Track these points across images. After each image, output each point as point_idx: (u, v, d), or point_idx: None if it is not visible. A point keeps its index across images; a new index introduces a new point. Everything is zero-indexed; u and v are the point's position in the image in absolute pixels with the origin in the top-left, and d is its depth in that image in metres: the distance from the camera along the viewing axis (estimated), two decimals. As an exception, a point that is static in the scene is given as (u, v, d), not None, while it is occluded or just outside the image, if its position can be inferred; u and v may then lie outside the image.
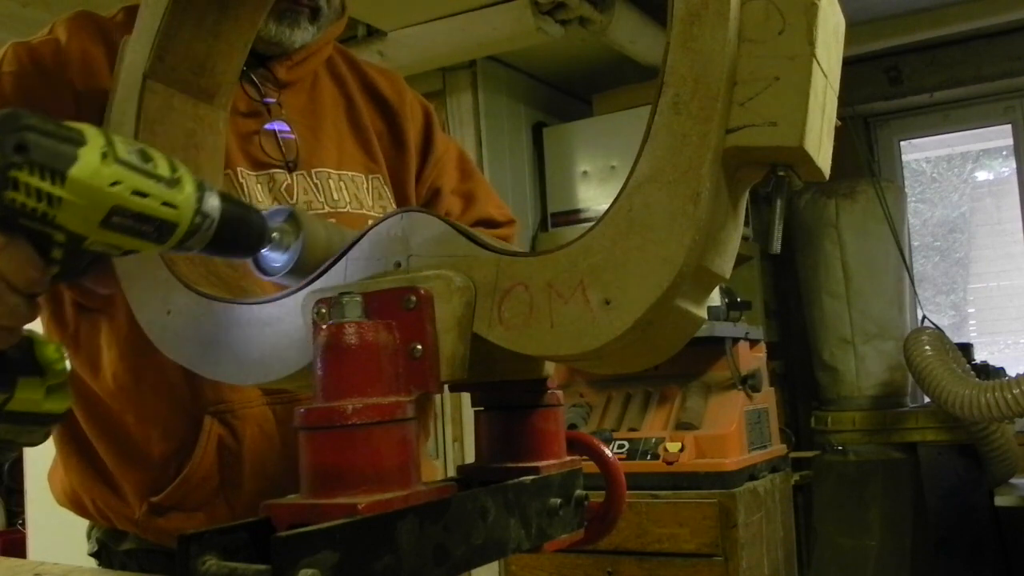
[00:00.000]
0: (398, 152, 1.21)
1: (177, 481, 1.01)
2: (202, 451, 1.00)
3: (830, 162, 0.60)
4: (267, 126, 1.08)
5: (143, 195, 0.57)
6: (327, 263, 0.67)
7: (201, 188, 0.61)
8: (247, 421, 1.01)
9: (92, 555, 1.15)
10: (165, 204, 0.58)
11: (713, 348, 2.71)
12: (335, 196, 1.10)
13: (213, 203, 0.61)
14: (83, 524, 1.19)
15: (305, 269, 0.68)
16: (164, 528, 1.02)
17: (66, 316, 1.03)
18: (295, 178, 1.08)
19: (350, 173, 1.13)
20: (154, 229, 0.58)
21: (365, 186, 1.14)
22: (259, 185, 1.06)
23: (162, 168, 0.59)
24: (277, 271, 0.69)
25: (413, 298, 0.58)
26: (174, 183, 0.59)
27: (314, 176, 1.10)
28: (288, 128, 1.09)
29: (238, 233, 0.63)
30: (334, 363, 0.55)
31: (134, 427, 1.02)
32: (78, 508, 1.11)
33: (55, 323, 1.05)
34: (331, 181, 1.11)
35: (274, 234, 0.68)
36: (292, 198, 1.07)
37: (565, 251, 0.58)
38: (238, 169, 1.04)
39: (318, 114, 1.15)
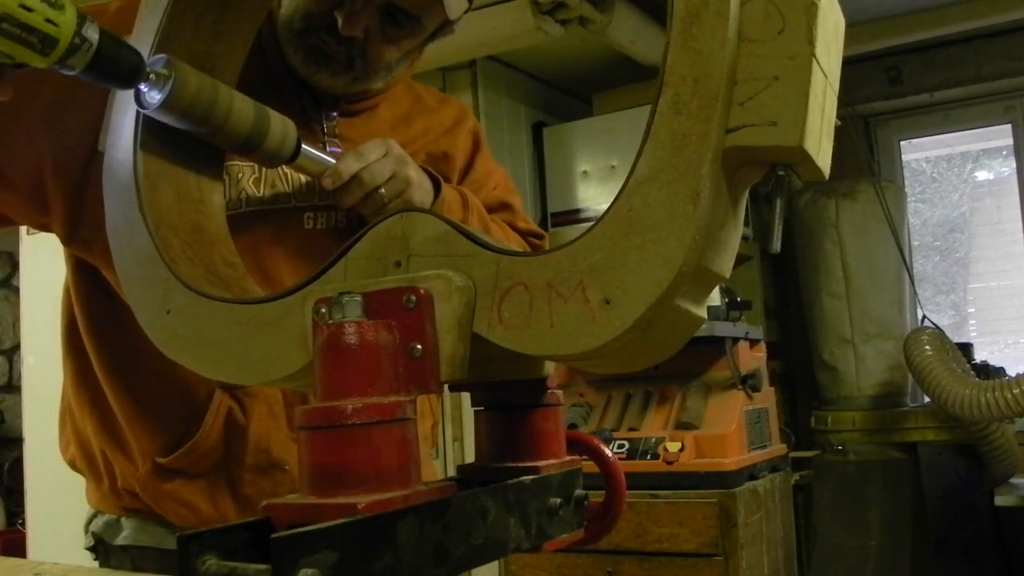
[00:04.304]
0: (448, 166, 1.26)
1: (185, 447, 1.05)
2: (211, 420, 1.04)
3: (830, 162, 0.60)
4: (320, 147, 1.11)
5: (29, 9, 0.68)
6: (327, 262, 0.67)
7: (82, 18, 0.72)
8: (257, 399, 1.06)
9: (88, 549, 1.18)
10: (48, 20, 0.69)
11: (713, 348, 2.71)
12: None
13: (92, 33, 0.72)
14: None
15: (177, 107, 0.80)
16: (164, 492, 1.06)
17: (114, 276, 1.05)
18: None
19: None
20: (39, 41, 0.69)
21: None
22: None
23: None
24: (151, 105, 0.79)
25: (413, 298, 0.58)
26: (57, 6, 0.70)
27: None
28: (339, 150, 1.12)
29: (115, 62, 0.75)
30: (334, 363, 0.55)
31: (155, 386, 1.06)
32: (87, 460, 1.15)
33: (96, 286, 1.08)
34: None
35: (151, 75, 0.78)
36: None
37: (565, 251, 0.58)
38: (280, 170, 1.08)
39: (372, 132, 1.17)
